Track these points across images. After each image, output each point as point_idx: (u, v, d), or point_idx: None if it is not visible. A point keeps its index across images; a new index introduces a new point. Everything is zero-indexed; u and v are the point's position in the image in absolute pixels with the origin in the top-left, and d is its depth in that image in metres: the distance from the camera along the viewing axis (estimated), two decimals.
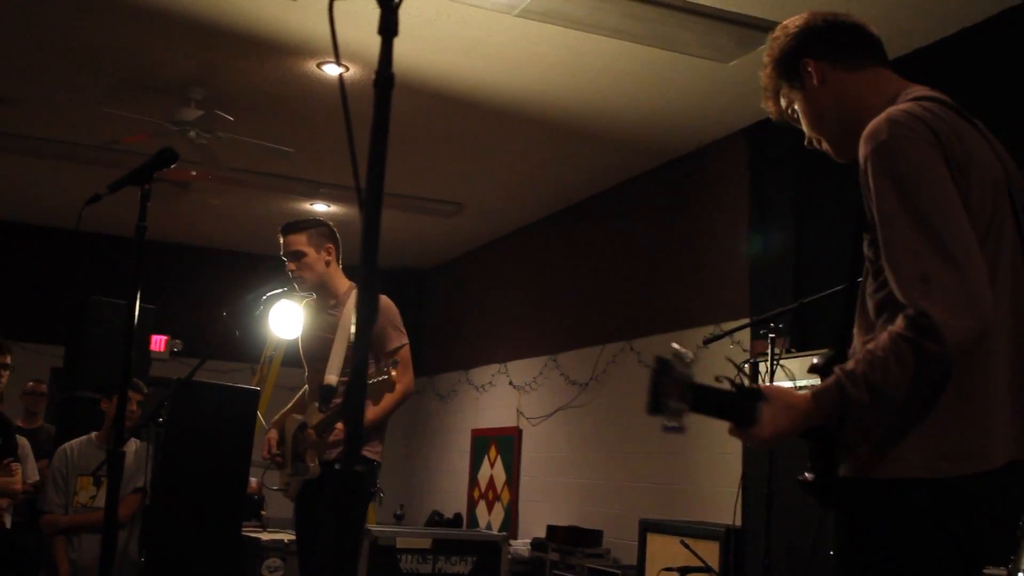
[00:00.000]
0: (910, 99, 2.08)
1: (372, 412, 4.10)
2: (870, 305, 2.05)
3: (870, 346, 1.90)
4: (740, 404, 2.03)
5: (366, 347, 1.61)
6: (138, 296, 2.93)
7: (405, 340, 4.39)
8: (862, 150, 2.01)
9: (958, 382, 1.92)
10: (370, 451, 4.23)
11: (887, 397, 1.88)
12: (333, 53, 6.06)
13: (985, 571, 3.47)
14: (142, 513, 5.22)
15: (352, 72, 6.57)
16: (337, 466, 3.98)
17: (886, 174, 1.94)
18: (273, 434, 4.45)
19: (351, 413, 1.57)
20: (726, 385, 2.06)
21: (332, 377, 4.26)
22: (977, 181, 1.98)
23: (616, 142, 7.66)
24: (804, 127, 2.30)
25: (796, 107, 2.28)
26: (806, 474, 2.15)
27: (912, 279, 1.86)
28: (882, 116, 2.01)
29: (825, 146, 2.28)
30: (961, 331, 1.81)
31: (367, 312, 1.60)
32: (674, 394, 2.00)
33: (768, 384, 2.05)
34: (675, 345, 2.04)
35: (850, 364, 1.91)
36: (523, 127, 7.52)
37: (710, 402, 2.04)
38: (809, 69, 2.22)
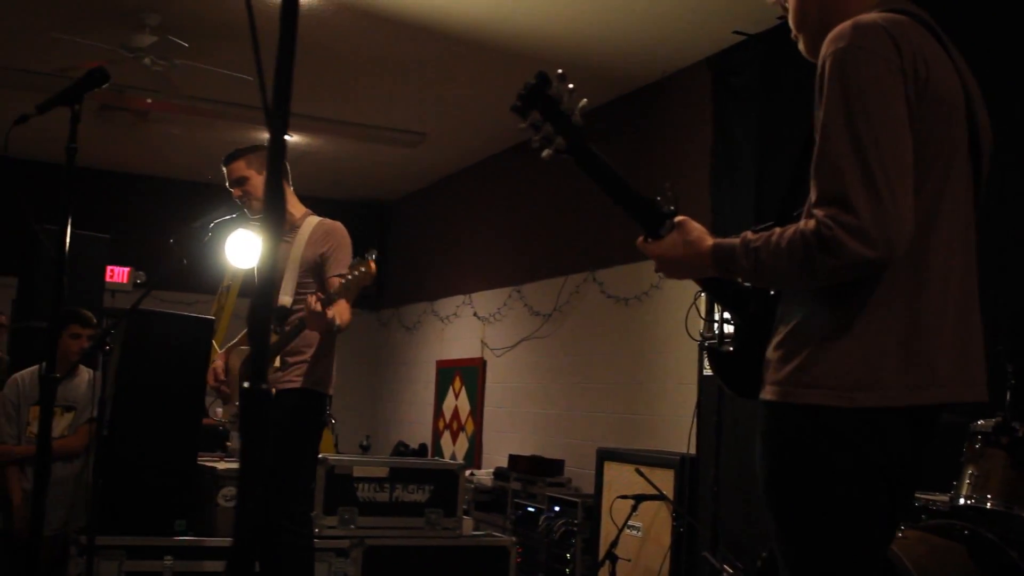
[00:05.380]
0: (884, 9, 2.02)
1: (340, 312, 3.96)
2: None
3: (778, 230, 1.92)
4: (654, 213, 2.16)
5: (272, 272, 1.57)
6: (69, 222, 2.85)
7: None
8: (823, 52, 1.97)
9: (878, 313, 1.92)
10: (305, 379, 4.14)
11: (767, 280, 2.00)
12: None
13: (926, 496, 3.49)
14: (96, 442, 5.18)
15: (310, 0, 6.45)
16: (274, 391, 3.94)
17: (837, 83, 1.90)
18: (219, 363, 4.39)
19: (256, 334, 1.53)
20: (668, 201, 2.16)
21: (286, 299, 4.17)
22: (932, 103, 1.94)
23: (579, 70, 7.51)
24: (790, 22, 2.24)
25: (788, 2, 2.23)
26: (728, 346, 2.18)
27: (830, 195, 1.86)
28: (849, 22, 1.96)
29: (801, 44, 2.24)
30: (857, 256, 1.82)
31: (272, 231, 1.57)
32: (549, 115, 2.23)
33: (690, 219, 2.11)
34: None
35: (755, 236, 1.96)
36: (485, 54, 7.40)
37: (621, 189, 2.20)
38: None
